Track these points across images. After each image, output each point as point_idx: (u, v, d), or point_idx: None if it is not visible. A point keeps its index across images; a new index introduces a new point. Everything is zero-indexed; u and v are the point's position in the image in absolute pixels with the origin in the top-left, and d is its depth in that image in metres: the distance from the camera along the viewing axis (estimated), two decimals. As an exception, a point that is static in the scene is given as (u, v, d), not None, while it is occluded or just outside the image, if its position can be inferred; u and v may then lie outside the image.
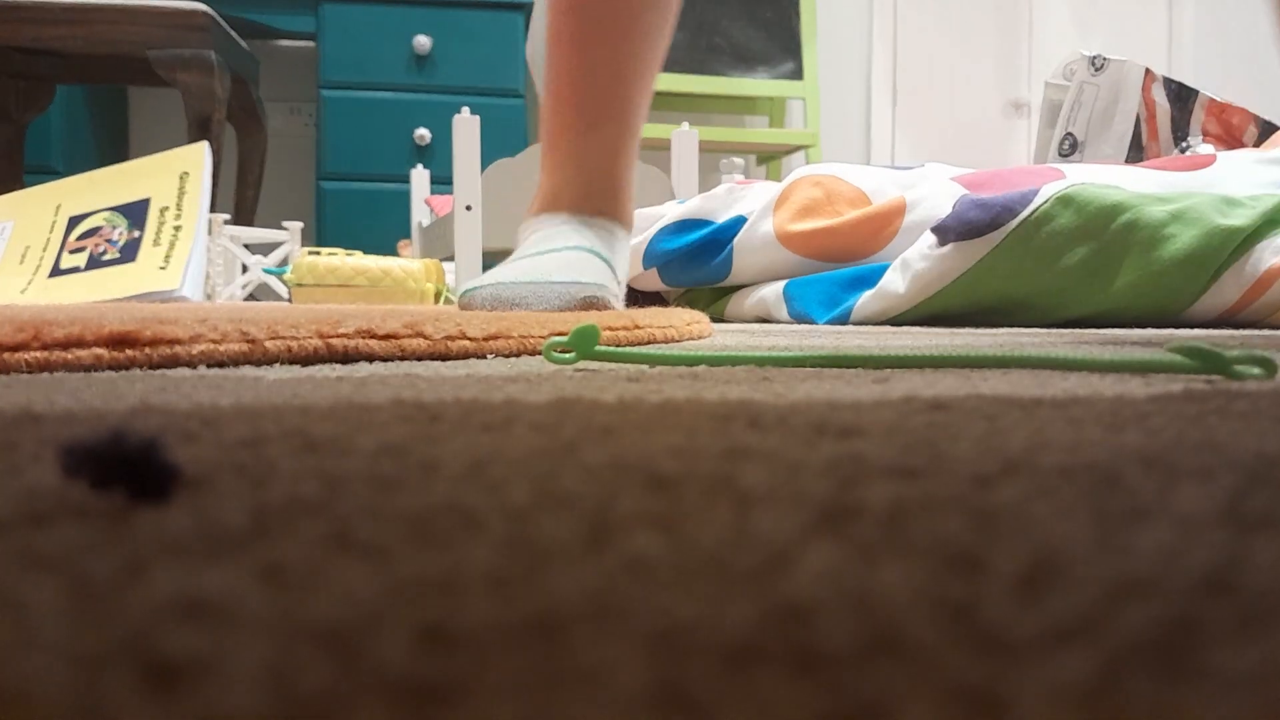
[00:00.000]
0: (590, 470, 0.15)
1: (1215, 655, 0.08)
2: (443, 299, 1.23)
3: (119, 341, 0.37)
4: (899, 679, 0.08)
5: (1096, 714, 0.07)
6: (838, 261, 0.86)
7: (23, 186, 1.84)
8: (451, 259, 1.34)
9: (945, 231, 0.75)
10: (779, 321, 0.87)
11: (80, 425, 0.19)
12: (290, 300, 1.22)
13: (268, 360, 0.39)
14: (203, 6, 1.71)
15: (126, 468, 0.13)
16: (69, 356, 0.36)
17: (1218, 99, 1.13)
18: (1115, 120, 1.14)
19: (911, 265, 0.76)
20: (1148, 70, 1.14)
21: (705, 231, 0.93)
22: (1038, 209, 0.74)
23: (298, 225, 1.57)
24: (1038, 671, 0.08)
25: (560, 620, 0.09)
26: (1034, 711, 0.07)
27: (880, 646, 0.08)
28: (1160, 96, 1.13)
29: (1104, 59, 1.16)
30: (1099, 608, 0.09)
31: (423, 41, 2.29)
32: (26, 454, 0.16)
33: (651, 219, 0.97)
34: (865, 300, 0.79)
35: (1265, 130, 1.15)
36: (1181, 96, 1.14)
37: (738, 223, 0.92)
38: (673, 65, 2.51)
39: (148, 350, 0.37)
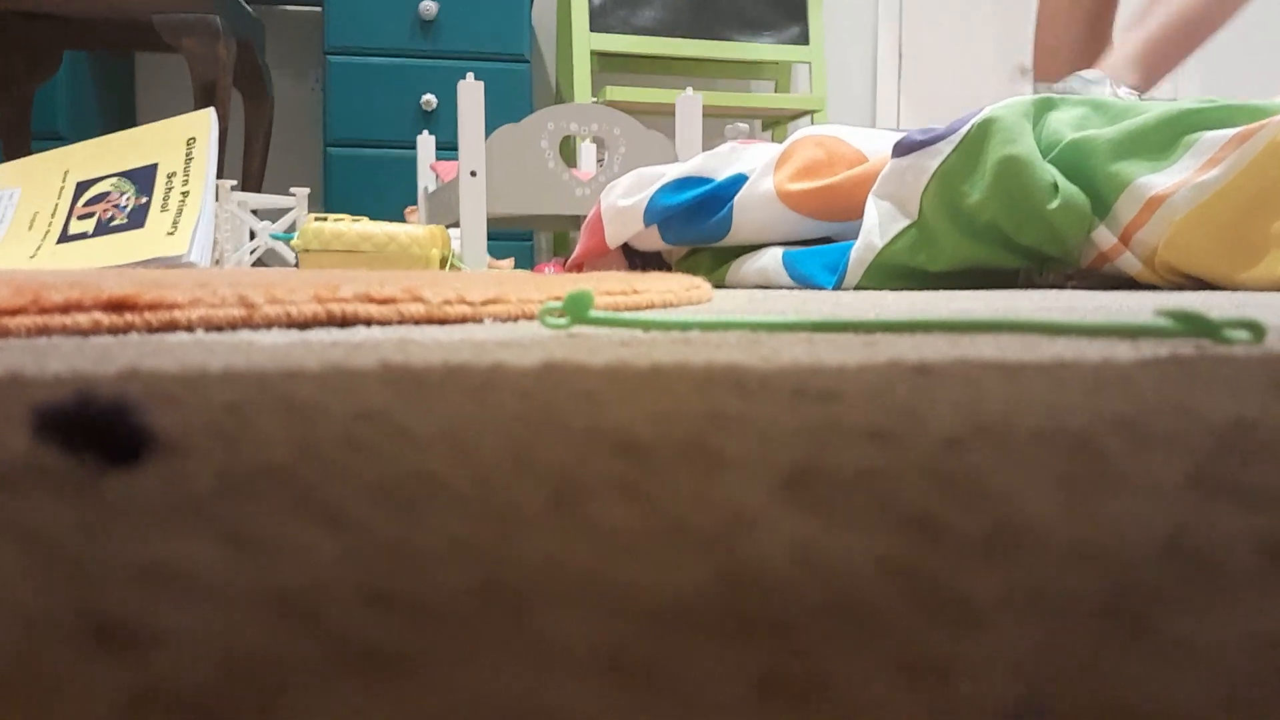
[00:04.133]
0: (565, 436, 0.15)
1: (1175, 624, 0.08)
2: (449, 265, 1.23)
3: (117, 306, 0.37)
4: (851, 644, 0.08)
5: (1052, 682, 0.07)
6: (837, 219, 0.86)
7: (30, 153, 1.84)
8: (457, 225, 1.34)
9: (900, 145, 0.78)
10: (780, 287, 0.87)
11: (62, 389, 0.19)
12: (297, 266, 1.23)
13: (265, 325, 0.39)
14: (207, -30, 1.69)
15: (97, 432, 0.13)
16: (67, 321, 0.36)
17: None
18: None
19: (882, 195, 0.80)
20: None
21: (706, 188, 0.92)
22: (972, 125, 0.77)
23: (304, 191, 1.57)
24: (993, 637, 0.08)
25: (517, 586, 0.09)
26: (987, 677, 0.07)
27: (833, 611, 0.08)
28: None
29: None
30: (1058, 574, 0.09)
31: (429, 6, 2.27)
32: (5, 418, 0.16)
33: (653, 177, 0.97)
34: (856, 248, 0.80)
35: None
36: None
37: (738, 180, 0.92)
38: (676, 29, 2.48)
39: (146, 314, 0.38)
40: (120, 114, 2.51)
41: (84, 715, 0.07)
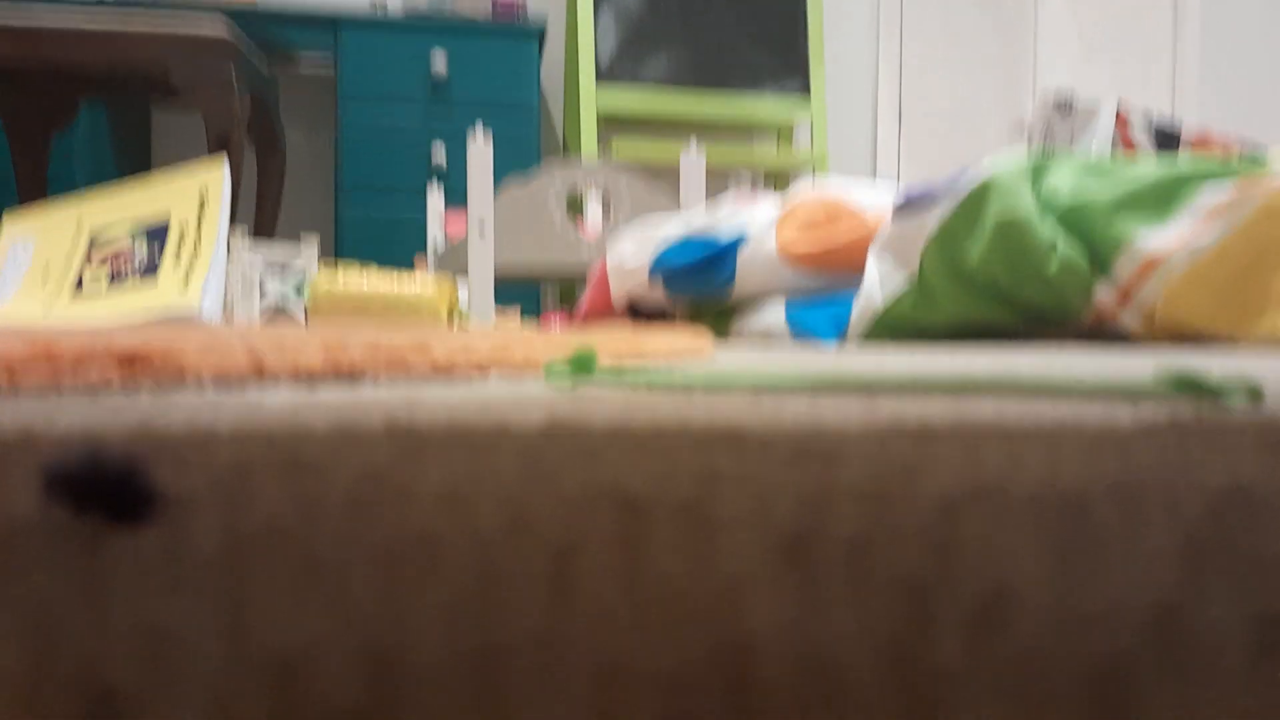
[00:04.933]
0: (564, 498, 0.15)
1: (1148, 699, 0.08)
2: (456, 318, 1.23)
3: (129, 361, 0.38)
4: (833, 718, 0.08)
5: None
6: (839, 274, 0.88)
7: (46, 202, 1.87)
8: (465, 273, 1.35)
9: (899, 205, 0.79)
10: (783, 341, 0.88)
11: (73, 448, 0.19)
12: (307, 320, 1.23)
13: (274, 381, 0.39)
14: (225, 29, 1.73)
15: (105, 492, 0.13)
16: (78, 377, 0.36)
17: (1199, 134, 1.12)
18: (1084, 144, 1.14)
19: (882, 254, 0.80)
20: (1119, 114, 1.13)
21: (709, 246, 0.95)
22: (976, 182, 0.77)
23: (315, 237, 1.59)
24: (973, 713, 0.08)
25: (507, 652, 0.09)
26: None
27: (819, 686, 0.08)
28: (1140, 135, 1.13)
29: (1070, 103, 1.16)
30: (1042, 647, 0.09)
31: (440, 62, 2.32)
32: (17, 476, 0.17)
33: (657, 233, 0.99)
34: (857, 305, 0.80)
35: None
36: (1166, 139, 1.13)
37: (741, 240, 0.94)
38: (681, 82, 2.53)
39: (157, 370, 0.38)
40: (135, 165, 2.55)
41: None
